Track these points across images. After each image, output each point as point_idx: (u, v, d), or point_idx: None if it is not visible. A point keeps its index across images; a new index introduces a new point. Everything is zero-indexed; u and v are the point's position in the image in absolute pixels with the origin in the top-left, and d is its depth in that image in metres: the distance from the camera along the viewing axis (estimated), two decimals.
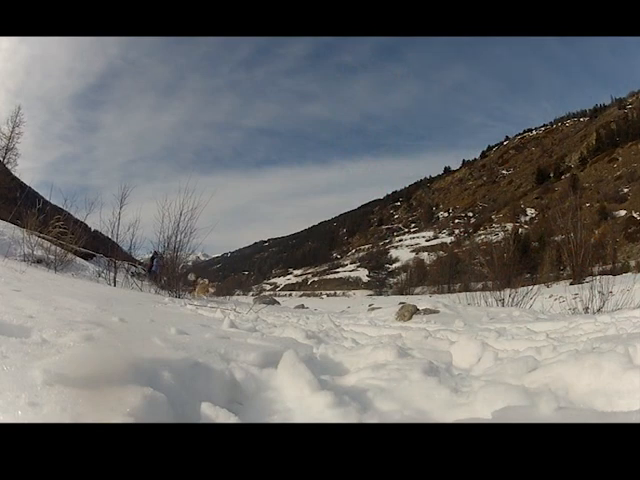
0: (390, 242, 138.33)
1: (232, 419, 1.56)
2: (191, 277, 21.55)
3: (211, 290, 22.75)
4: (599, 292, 10.49)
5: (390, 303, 17.57)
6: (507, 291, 12.72)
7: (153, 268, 22.57)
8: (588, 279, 15.66)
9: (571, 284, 18.48)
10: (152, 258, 23.00)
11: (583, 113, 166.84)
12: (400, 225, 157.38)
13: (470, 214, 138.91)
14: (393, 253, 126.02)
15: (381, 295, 64.69)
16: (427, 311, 9.43)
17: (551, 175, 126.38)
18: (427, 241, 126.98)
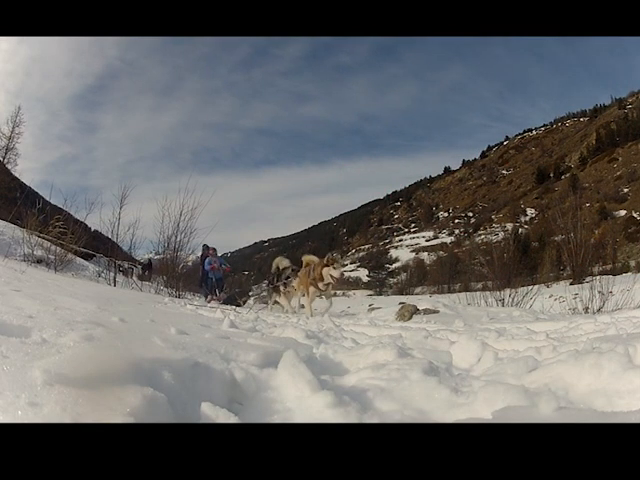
0: (390, 242, 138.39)
1: (232, 419, 1.56)
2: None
3: (335, 275, 12.10)
4: (599, 292, 10.50)
5: (390, 303, 17.52)
6: (507, 291, 12.73)
7: (209, 275, 19.00)
8: (588, 279, 15.67)
9: (571, 284, 18.47)
10: (202, 257, 20.06)
11: (583, 113, 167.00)
12: (400, 225, 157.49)
13: (470, 214, 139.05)
14: (393, 253, 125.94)
15: (381, 295, 64.48)
16: (427, 311, 9.46)
17: (551, 175, 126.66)
18: (427, 241, 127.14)
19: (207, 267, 18.99)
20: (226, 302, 16.03)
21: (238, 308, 11.50)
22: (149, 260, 24.21)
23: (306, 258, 13.31)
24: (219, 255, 20.75)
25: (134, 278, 18.36)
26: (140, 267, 23.23)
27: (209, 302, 15.64)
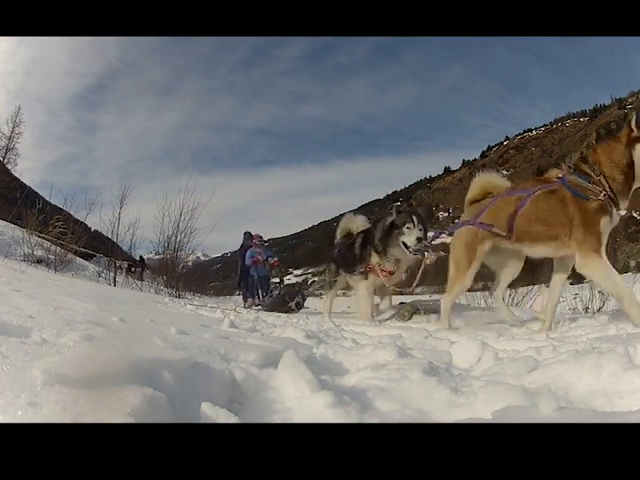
0: None
1: (232, 419, 1.56)
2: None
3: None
4: (599, 292, 10.47)
5: None
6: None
7: (251, 272, 15.35)
8: (588, 279, 15.62)
9: (571, 284, 18.41)
10: (242, 248, 16.81)
11: (583, 113, 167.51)
12: None
13: None
14: None
15: None
16: (427, 311, 9.41)
17: None
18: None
19: (248, 261, 15.43)
20: (272, 307, 12.10)
21: (238, 308, 10.49)
22: (141, 257, 23.36)
23: (486, 179, 6.35)
24: (263, 239, 16.84)
25: (125, 276, 18.05)
26: (129, 265, 21.64)
27: (249, 307, 13.12)
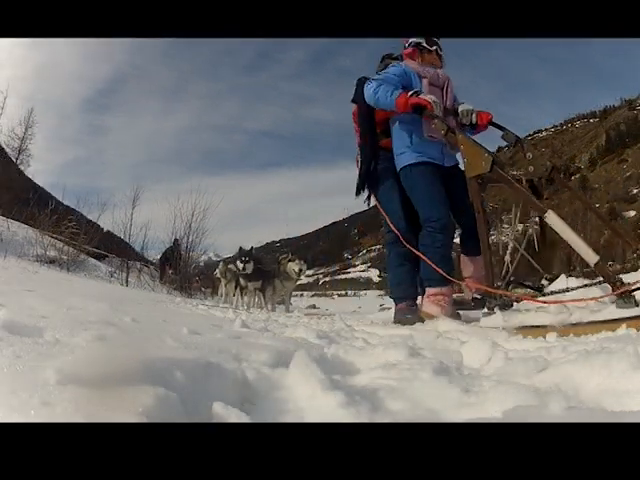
0: None
1: (244, 419, 1.56)
2: None
3: None
4: None
5: None
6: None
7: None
8: (597, 279, 15.54)
9: None
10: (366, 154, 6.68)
11: (593, 114, 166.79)
12: None
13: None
14: None
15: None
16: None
17: (561, 176, 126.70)
18: None
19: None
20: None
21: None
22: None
23: None
24: None
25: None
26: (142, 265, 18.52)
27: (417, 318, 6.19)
